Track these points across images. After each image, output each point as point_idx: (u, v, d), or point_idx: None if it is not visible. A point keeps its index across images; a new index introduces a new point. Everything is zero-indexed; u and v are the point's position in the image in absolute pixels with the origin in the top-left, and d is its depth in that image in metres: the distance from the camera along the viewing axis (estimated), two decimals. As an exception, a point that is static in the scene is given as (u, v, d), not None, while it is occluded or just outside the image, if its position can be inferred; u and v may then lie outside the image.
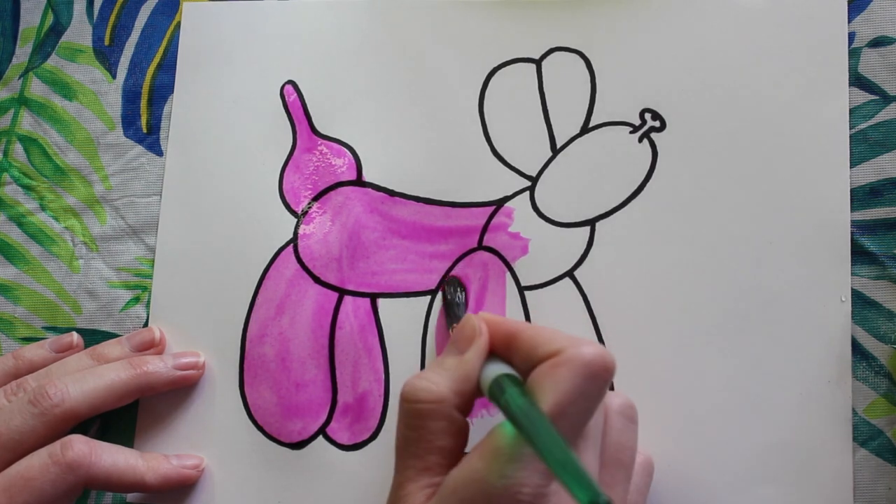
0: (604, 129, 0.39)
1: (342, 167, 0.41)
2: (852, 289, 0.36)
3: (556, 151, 0.40)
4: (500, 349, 0.31)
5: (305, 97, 0.42)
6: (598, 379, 0.27)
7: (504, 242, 0.39)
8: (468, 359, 0.30)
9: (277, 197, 0.41)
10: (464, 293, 0.38)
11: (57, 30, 0.45)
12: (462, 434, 0.30)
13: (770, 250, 0.37)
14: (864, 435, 0.35)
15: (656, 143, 0.39)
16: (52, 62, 0.45)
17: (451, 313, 0.37)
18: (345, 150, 0.41)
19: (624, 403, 0.32)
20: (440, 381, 0.30)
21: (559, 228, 0.39)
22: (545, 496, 0.26)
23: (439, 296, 0.39)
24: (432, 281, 0.39)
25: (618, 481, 0.30)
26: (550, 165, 0.40)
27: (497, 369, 0.30)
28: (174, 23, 0.44)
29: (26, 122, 0.44)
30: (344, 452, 0.38)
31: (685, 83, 0.39)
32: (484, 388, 0.30)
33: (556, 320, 0.38)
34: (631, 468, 0.31)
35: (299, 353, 0.39)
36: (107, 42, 0.45)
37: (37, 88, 0.44)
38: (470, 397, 0.30)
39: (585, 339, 0.28)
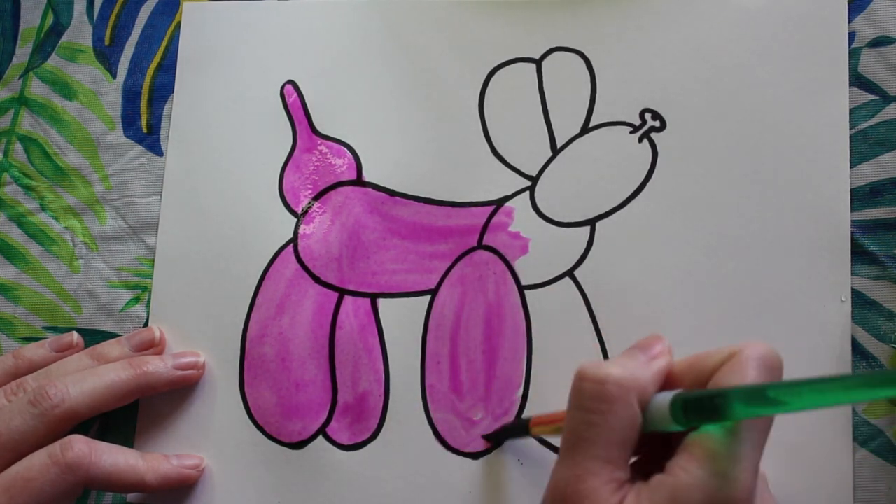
0: (604, 129, 0.39)
1: (342, 167, 0.41)
2: (852, 289, 0.36)
3: (556, 151, 0.40)
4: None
5: (305, 97, 0.42)
6: (776, 370, 0.27)
7: (504, 242, 0.39)
8: (659, 363, 0.28)
9: (277, 197, 0.41)
10: None
11: (57, 30, 0.45)
12: (638, 432, 0.27)
13: (770, 250, 0.37)
14: (864, 435, 0.35)
15: (656, 143, 0.39)
16: (53, 62, 0.45)
17: (515, 428, 0.36)
18: (345, 149, 0.41)
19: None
20: (630, 368, 0.27)
21: (559, 228, 0.39)
22: (755, 492, 0.26)
23: None
24: (432, 281, 0.39)
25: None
26: (550, 165, 0.40)
27: (671, 392, 0.27)
28: (174, 23, 0.44)
29: (26, 122, 0.44)
30: (344, 452, 0.38)
31: (685, 83, 0.39)
32: (663, 411, 0.27)
33: (556, 320, 0.38)
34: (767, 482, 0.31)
35: (299, 353, 0.39)
36: (107, 42, 0.45)
37: (37, 88, 0.44)
38: (645, 403, 0.27)
39: (749, 341, 0.27)
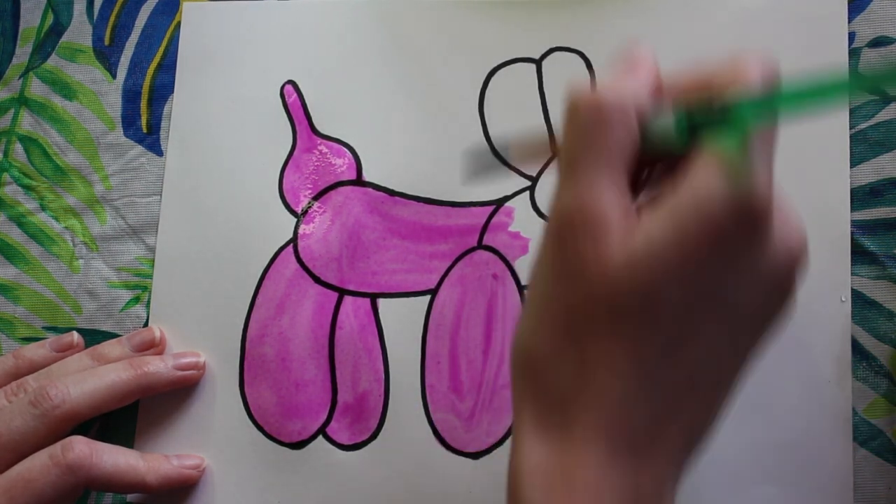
0: (604, 129, 0.39)
1: (342, 167, 0.41)
2: (852, 289, 0.36)
3: (556, 151, 0.39)
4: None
5: (305, 97, 0.42)
6: (776, 76, 0.27)
7: (504, 242, 0.39)
8: (650, 76, 0.27)
9: (277, 197, 0.41)
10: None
11: (57, 30, 0.45)
12: (637, 151, 0.26)
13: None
14: (864, 435, 0.35)
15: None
16: (52, 62, 0.45)
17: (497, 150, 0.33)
18: (345, 149, 0.41)
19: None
20: (623, 84, 0.26)
21: (559, 228, 0.39)
22: (772, 209, 0.25)
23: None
24: (432, 281, 0.39)
25: (794, 211, 0.29)
26: (551, 165, 0.40)
27: (676, 109, 0.27)
28: (174, 23, 0.44)
29: (26, 122, 0.44)
30: (344, 452, 0.38)
31: (685, 83, 0.39)
32: (661, 129, 0.26)
33: (556, 320, 0.38)
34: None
35: (299, 353, 0.39)
36: (107, 42, 0.45)
37: (37, 88, 0.44)
38: (645, 120, 0.26)
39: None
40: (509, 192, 0.40)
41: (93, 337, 0.41)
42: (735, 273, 0.26)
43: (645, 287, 0.25)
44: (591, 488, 0.26)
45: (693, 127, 0.26)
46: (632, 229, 0.25)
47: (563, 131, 0.27)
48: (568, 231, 0.26)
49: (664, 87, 0.28)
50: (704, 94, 0.27)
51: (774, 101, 0.24)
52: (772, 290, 0.27)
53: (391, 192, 0.40)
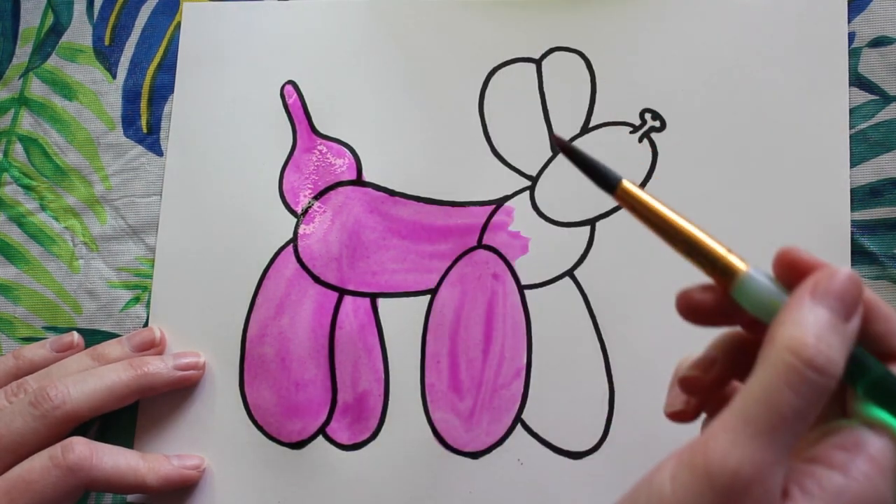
0: (604, 129, 0.39)
1: (342, 167, 0.41)
2: (852, 289, 0.36)
3: (556, 151, 0.40)
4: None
5: (305, 97, 0.42)
6: None
7: (504, 241, 0.39)
8: (853, 328, 0.23)
9: (277, 197, 0.41)
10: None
11: (57, 30, 0.45)
12: None
13: (770, 250, 0.37)
14: (864, 435, 0.35)
15: (656, 143, 0.39)
16: (53, 62, 0.45)
17: (600, 171, 0.28)
18: (345, 149, 0.41)
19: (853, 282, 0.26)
20: (836, 352, 0.22)
21: (559, 228, 0.39)
22: None
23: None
24: (432, 281, 0.39)
25: None
26: (550, 165, 0.40)
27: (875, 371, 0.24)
28: (174, 23, 0.44)
29: (26, 122, 0.44)
30: (344, 452, 0.38)
31: (685, 83, 0.39)
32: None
33: (556, 320, 0.38)
34: None
35: (299, 352, 0.39)
36: (107, 42, 0.45)
37: (37, 88, 0.44)
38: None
39: None
40: (509, 192, 0.40)
41: (93, 337, 0.41)
42: None
43: None
44: None
45: (885, 401, 0.23)
46: None
47: (777, 379, 0.22)
48: (732, 492, 0.22)
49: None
50: (878, 335, 0.24)
51: None
52: None
53: (391, 192, 0.40)
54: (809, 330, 0.22)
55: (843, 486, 0.22)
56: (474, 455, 0.38)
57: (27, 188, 0.43)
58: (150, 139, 0.43)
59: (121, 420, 0.40)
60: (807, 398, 0.22)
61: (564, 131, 0.40)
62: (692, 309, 0.26)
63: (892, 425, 0.23)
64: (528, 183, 0.40)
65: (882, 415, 0.23)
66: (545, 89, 0.40)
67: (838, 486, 0.22)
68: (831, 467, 0.23)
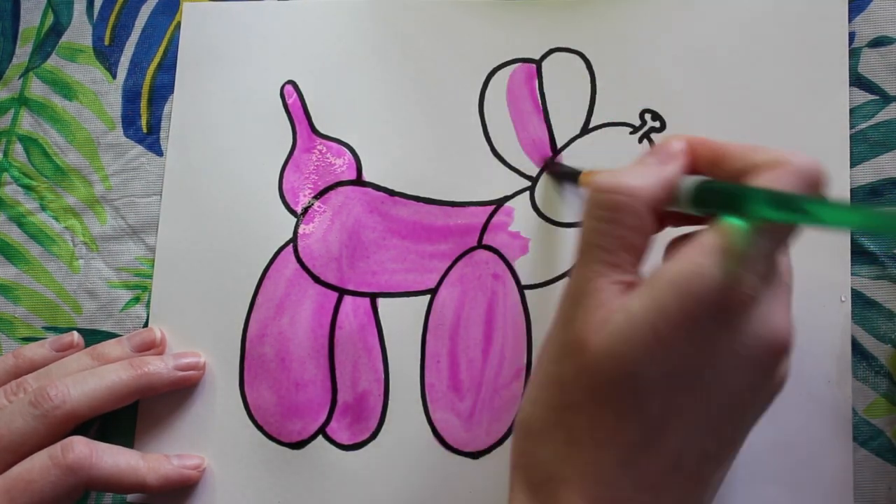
0: (604, 129, 0.39)
1: (342, 167, 0.41)
2: (852, 289, 0.36)
3: (556, 152, 0.40)
4: (701, 166, 0.29)
5: (305, 97, 0.42)
6: (818, 188, 0.27)
7: (504, 242, 0.39)
8: (670, 168, 0.28)
9: (277, 197, 0.41)
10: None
11: (57, 30, 0.45)
12: (650, 238, 0.28)
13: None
14: (864, 435, 0.35)
15: (656, 143, 0.39)
16: (52, 62, 0.45)
17: (567, 172, 0.38)
18: (344, 149, 0.41)
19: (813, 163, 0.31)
20: (639, 178, 0.28)
21: (559, 228, 0.39)
22: (757, 300, 0.26)
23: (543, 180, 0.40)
24: (432, 280, 0.39)
25: (790, 303, 0.29)
26: (550, 165, 0.40)
27: (698, 178, 0.28)
28: (174, 23, 0.44)
29: (26, 122, 0.44)
30: (344, 452, 0.38)
31: (685, 83, 0.39)
32: (686, 195, 0.28)
33: (556, 320, 0.38)
34: (791, 291, 0.30)
35: (299, 352, 0.39)
36: (107, 42, 0.45)
37: (37, 88, 0.44)
38: (663, 206, 0.28)
39: (795, 151, 0.27)
40: (509, 192, 0.40)
41: (93, 337, 0.41)
42: (712, 355, 0.26)
43: (622, 362, 0.26)
44: None
45: (707, 199, 0.27)
46: (621, 306, 0.26)
47: (583, 213, 0.29)
48: (569, 307, 0.28)
49: (701, 153, 0.29)
50: (733, 172, 0.28)
51: (794, 208, 0.24)
52: (752, 377, 0.27)
53: (391, 192, 0.40)
54: (613, 174, 0.28)
55: (667, 268, 0.26)
56: (474, 455, 0.38)
57: (27, 188, 0.43)
58: (150, 139, 0.43)
59: (121, 420, 0.40)
60: (599, 218, 0.28)
61: (564, 131, 0.40)
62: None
63: (718, 214, 0.26)
64: (528, 183, 0.40)
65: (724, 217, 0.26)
66: (545, 89, 0.40)
67: (664, 268, 0.26)
68: (667, 260, 0.27)
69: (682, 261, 0.26)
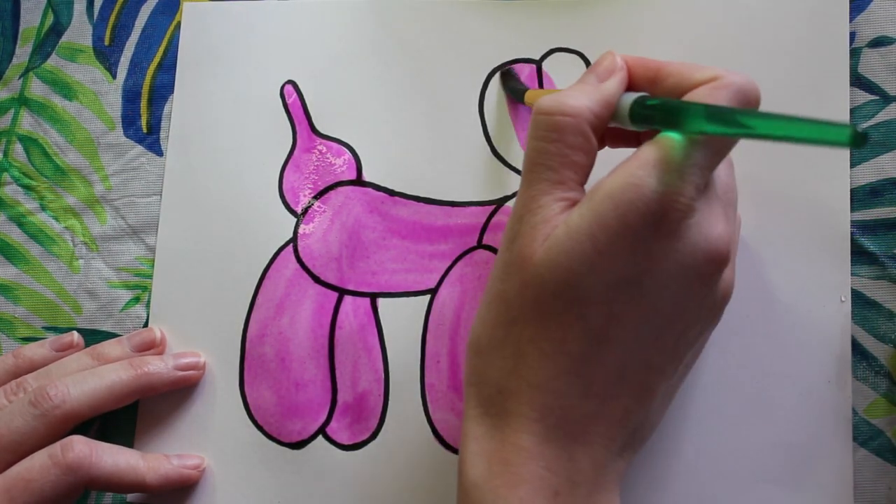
0: (604, 129, 0.39)
1: (342, 167, 0.41)
2: (852, 289, 0.36)
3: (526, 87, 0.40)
4: (638, 84, 0.30)
5: (305, 97, 0.42)
6: (753, 104, 0.28)
7: (504, 242, 0.39)
8: (608, 86, 0.30)
9: (277, 197, 0.41)
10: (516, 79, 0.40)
11: (57, 30, 0.45)
12: (593, 155, 0.29)
13: (770, 250, 0.37)
14: (864, 435, 0.35)
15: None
16: (52, 62, 0.45)
17: (514, 89, 0.39)
18: (344, 149, 0.41)
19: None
20: (580, 97, 0.29)
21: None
22: (694, 210, 0.27)
23: (496, 81, 0.40)
24: (432, 280, 0.39)
25: (732, 217, 0.30)
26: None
27: (636, 95, 0.29)
28: (174, 23, 0.44)
29: (26, 122, 0.44)
30: (344, 452, 0.38)
31: (685, 83, 0.39)
32: (624, 112, 0.29)
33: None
34: (735, 207, 0.31)
35: (299, 352, 0.39)
36: (107, 42, 0.45)
37: (37, 88, 0.44)
38: (604, 124, 0.29)
39: (732, 69, 0.28)
40: (509, 192, 0.40)
41: (93, 337, 0.41)
42: (651, 264, 0.27)
43: (562, 273, 0.27)
44: (527, 472, 0.27)
45: (645, 114, 0.28)
46: (562, 220, 0.27)
47: (527, 135, 0.30)
48: (515, 226, 0.29)
49: (639, 72, 0.30)
50: (670, 89, 0.29)
51: (728, 121, 0.25)
52: (692, 286, 0.28)
53: (391, 192, 0.40)
54: (555, 95, 0.29)
55: (605, 181, 0.27)
56: (474, 455, 0.38)
57: (27, 188, 0.43)
58: (150, 139, 0.43)
59: (121, 420, 0.40)
60: (543, 139, 0.28)
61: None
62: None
63: (656, 129, 0.27)
64: (528, 183, 0.40)
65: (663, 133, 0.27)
66: (545, 89, 0.40)
67: (603, 182, 0.27)
68: (608, 175, 0.28)
69: (620, 173, 0.27)
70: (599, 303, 0.27)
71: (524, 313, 0.28)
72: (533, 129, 0.29)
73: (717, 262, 0.28)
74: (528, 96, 0.37)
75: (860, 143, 0.21)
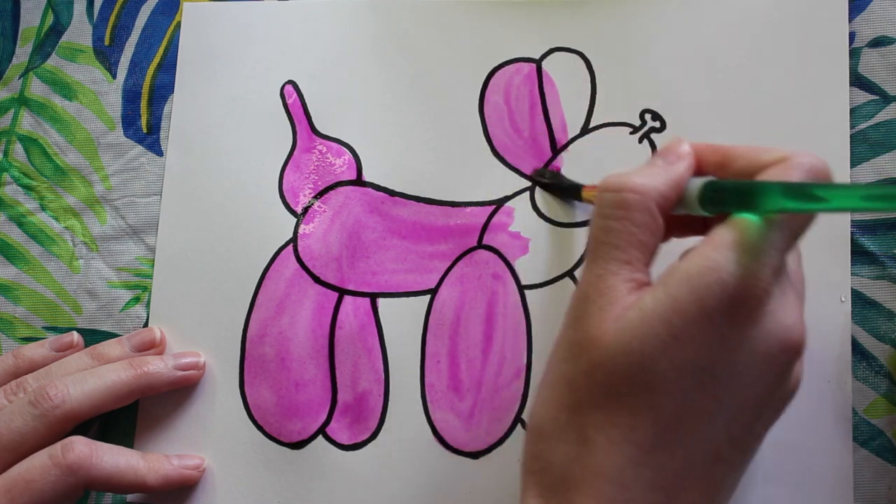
0: (604, 129, 0.39)
1: (342, 167, 0.41)
2: (852, 289, 0.36)
3: (556, 152, 0.40)
4: (707, 170, 0.30)
5: (305, 97, 0.42)
6: (824, 181, 0.27)
7: (504, 242, 0.39)
8: (677, 168, 0.29)
9: (277, 197, 0.41)
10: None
11: (57, 30, 0.45)
12: (659, 236, 0.28)
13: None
14: (864, 435, 0.35)
15: (656, 143, 0.39)
16: (52, 62, 0.45)
17: (568, 186, 0.38)
18: (344, 149, 0.41)
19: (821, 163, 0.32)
20: (647, 177, 0.28)
21: (559, 228, 0.39)
22: (770, 295, 0.26)
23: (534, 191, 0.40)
24: (432, 281, 0.39)
25: (802, 309, 0.30)
26: (551, 166, 0.40)
27: (705, 179, 0.28)
28: (174, 23, 0.44)
29: (26, 122, 0.44)
30: (344, 452, 0.38)
31: (685, 83, 0.39)
32: (692, 197, 0.28)
33: (556, 320, 0.38)
34: (804, 298, 0.31)
35: (299, 352, 0.39)
36: (107, 42, 0.45)
37: (37, 88, 0.44)
38: (671, 206, 0.28)
39: (803, 151, 0.27)
40: (509, 192, 0.40)
41: (93, 337, 0.41)
42: (726, 352, 0.26)
43: (636, 358, 0.26)
44: None
45: (718, 197, 0.27)
46: (634, 303, 0.26)
47: (592, 214, 0.29)
48: (581, 306, 0.28)
49: (707, 157, 0.29)
50: (740, 171, 0.28)
51: (807, 196, 0.24)
52: (766, 376, 0.27)
53: (391, 192, 0.40)
54: (621, 175, 0.28)
55: (681, 264, 0.26)
56: (474, 455, 0.38)
57: (27, 188, 0.43)
58: (150, 139, 0.43)
59: (121, 420, 0.40)
60: (610, 217, 0.28)
61: (565, 131, 0.40)
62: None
63: (727, 212, 0.27)
64: (528, 183, 0.40)
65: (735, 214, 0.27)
66: (545, 89, 0.40)
67: (678, 265, 0.27)
68: (682, 259, 0.27)
69: (696, 256, 0.26)
70: (672, 390, 0.26)
71: (592, 397, 0.27)
72: (598, 206, 0.28)
73: (791, 351, 0.27)
74: (585, 192, 0.36)
75: None
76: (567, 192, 0.38)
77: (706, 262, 0.26)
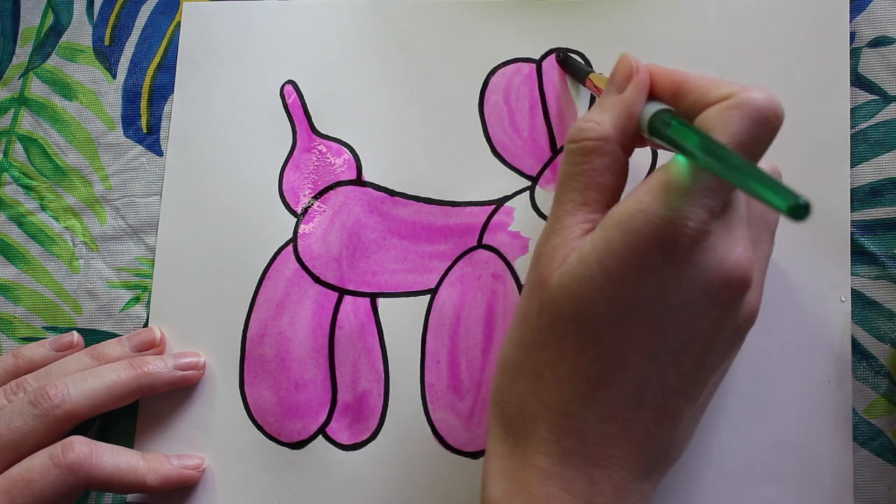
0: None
1: (342, 167, 0.41)
2: (852, 289, 0.36)
3: (556, 152, 0.40)
4: (663, 96, 0.30)
5: (305, 97, 0.42)
6: (769, 125, 0.27)
7: (504, 241, 0.39)
8: (627, 96, 0.29)
9: (277, 197, 0.41)
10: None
11: (57, 30, 0.45)
12: (623, 173, 0.29)
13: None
14: (864, 435, 0.35)
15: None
16: (52, 62, 0.45)
17: (579, 69, 0.39)
18: (344, 149, 0.41)
19: (771, 169, 0.32)
20: (602, 118, 0.29)
21: (559, 228, 0.39)
22: (707, 234, 0.26)
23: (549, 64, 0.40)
24: (432, 280, 0.39)
25: (764, 240, 0.30)
26: (551, 165, 0.40)
27: (658, 106, 0.29)
28: (174, 23, 0.44)
29: (26, 122, 0.44)
30: (344, 452, 0.38)
31: (685, 83, 0.39)
32: (644, 125, 0.29)
33: (556, 320, 0.38)
34: (774, 230, 0.31)
35: (299, 352, 0.39)
36: (107, 42, 0.45)
37: (37, 88, 0.44)
38: (632, 135, 0.29)
39: (756, 85, 0.27)
40: (509, 192, 0.40)
41: (93, 337, 0.41)
42: (663, 290, 0.26)
43: (575, 299, 0.27)
44: (545, 493, 0.28)
45: (660, 136, 0.28)
46: (577, 246, 0.28)
47: (560, 162, 0.30)
48: (539, 247, 0.30)
49: (662, 83, 0.30)
50: (689, 107, 0.28)
51: (723, 157, 0.24)
52: (709, 312, 0.27)
53: (391, 192, 0.40)
54: (578, 121, 0.29)
55: (615, 208, 0.27)
56: (474, 455, 0.38)
57: (27, 188, 0.43)
58: (150, 139, 0.43)
59: (121, 420, 0.40)
60: (571, 162, 0.29)
61: (564, 132, 0.40)
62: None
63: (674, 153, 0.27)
64: (528, 183, 0.40)
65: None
66: (545, 89, 0.40)
67: (613, 209, 0.27)
68: (619, 203, 0.27)
69: (629, 200, 0.27)
70: (612, 328, 0.27)
71: (543, 336, 0.28)
72: (564, 154, 0.30)
73: (733, 286, 0.27)
74: (588, 81, 0.37)
75: (800, 216, 0.21)
76: (578, 75, 0.39)
77: (637, 205, 0.26)
